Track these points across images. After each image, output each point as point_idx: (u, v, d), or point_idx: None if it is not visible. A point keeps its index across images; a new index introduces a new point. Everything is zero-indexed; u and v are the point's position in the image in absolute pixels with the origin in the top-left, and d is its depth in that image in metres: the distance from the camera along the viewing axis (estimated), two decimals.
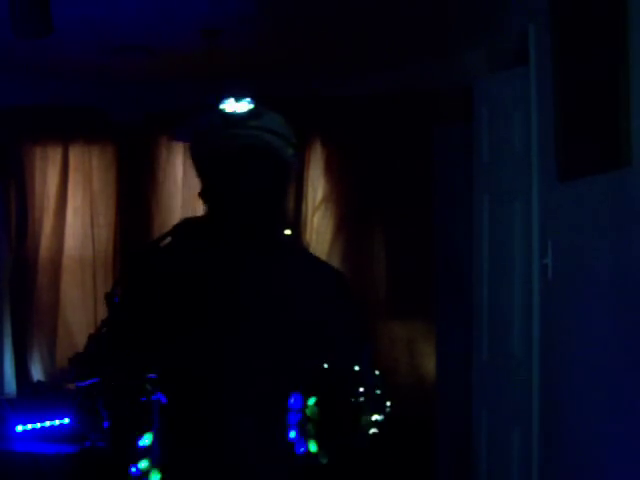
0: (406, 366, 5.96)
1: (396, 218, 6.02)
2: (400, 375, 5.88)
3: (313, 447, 2.27)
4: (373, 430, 2.26)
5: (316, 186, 6.29)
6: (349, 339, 2.39)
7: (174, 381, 2.26)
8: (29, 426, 5.38)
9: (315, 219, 6.27)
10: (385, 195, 6.05)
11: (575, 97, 3.35)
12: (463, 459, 4.76)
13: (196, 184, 2.39)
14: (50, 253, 6.23)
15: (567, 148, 3.43)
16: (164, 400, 2.24)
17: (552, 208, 3.72)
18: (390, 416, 2.32)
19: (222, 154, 2.28)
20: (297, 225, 6.24)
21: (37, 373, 6.10)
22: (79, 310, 6.25)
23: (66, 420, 5.41)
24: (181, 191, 6.36)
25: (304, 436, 2.27)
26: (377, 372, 2.37)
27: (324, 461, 2.27)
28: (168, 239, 2.37)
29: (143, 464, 2.22)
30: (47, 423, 5.43)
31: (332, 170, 6.28)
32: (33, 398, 5.64)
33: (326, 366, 2.32)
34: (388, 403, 2.34)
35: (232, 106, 2.30)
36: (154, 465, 2.23)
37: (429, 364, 5.76)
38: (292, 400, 2.25)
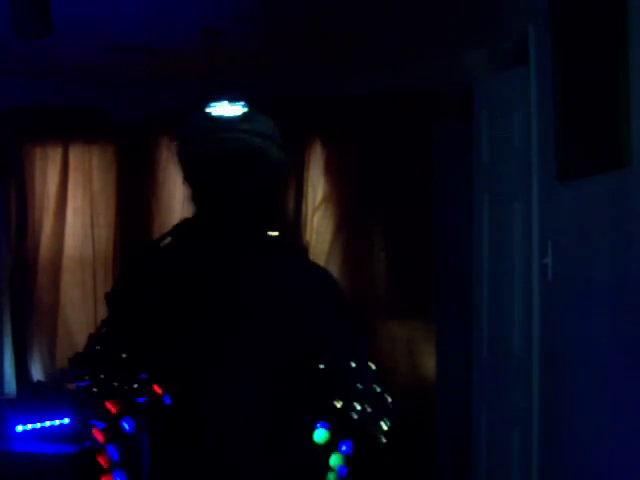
0: (406, 366, 5.95)
1: (396, 218, 6.02)
2: (400, 375, 5.88)
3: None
4: (384, 440, 2.27)
5: (316, 186, 6.28)
6: (343, 336, 2.39)
7: (173, 381, 2.26)
8: (29, 426, 5.38)
9: (315, 219, 6.27)
10: (385, 195, 6.05)
11: (575, 97, 3.35)
12: (463, 459, 4.76)
13: None
14: (50, 253, 6.22)
15: (567, 148, 3.43)
16: (168, 401, 2.25)
17: (552, 208, 3.72)
18: (396, 417, 2.33)
19: (212, 159, 2.27)
20: (296, 225, 6.24)
21: (37, 373, 6.10)
22: (79, 310, 6.25)
23: (66, 420, 5.41)
24: (181, 191, 6.36)
25: None
26: (374, 367, 2.37)
27: None
28: (168, 239, 2.37)
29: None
30: (47, 423, 5.43)
31: (332, 170, 6.27)
32: (33, 398, 5.63)
33: (322, 366, 2.32)
34: (389, 399, 2.34)
35: (221, 109, 2.29)
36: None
37: (429, 364, 5.75)
38: (344, 447, 2.25)
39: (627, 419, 2.96)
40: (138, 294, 2.33)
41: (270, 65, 5.94)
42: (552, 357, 3.72)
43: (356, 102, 6.06)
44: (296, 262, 2.43)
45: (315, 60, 5.84)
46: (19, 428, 5.35)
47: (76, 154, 6.33)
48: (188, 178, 2.34)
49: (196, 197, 2.33)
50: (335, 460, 2.24)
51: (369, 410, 2.27)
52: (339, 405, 2.28)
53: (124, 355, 2.26)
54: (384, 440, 2.25)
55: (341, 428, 2.27)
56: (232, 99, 2.31)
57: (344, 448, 2.26)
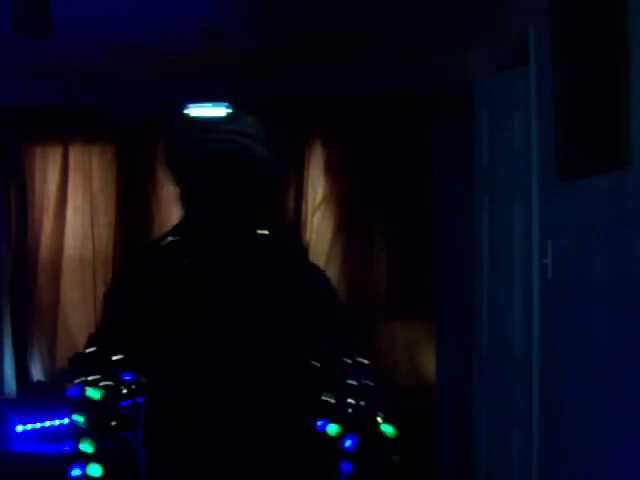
0: (406, 366, 5.96)
1: (396, 218, 6.02)
2: (400, 375, 5.88)
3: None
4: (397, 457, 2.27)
5: (316, 186, 6.29)
6: (337, 333, 2.38)
7: (171, 381, 2.26)
8: (29, 426, 5.38)
9: (315, 219, 6.27)
10: (385, 195, 6.05)
11: (575, 97, 3.35)
12: (463, 459, 4.76)
13: None
14: (50, 253, 6.23)
15: (567, 148, 3.43)
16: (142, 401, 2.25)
17: (552, 208, 3.72)
18: (388, 413, 2.33)
19: (197, 160, 2.27)
20: (296, 225, 6.24)
21: (37, 373, 6.10)
22: (79, 310, 6.25)
23: (66, 420, 5.41)
24: None
25: None
26: (367, 362, 2.37)
27: None
28: (168, 239, 2.37)
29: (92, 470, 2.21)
30: (47, 423, 5.43)
31: (332, 170, 6.28)
32: (33, 398, 5.63)
33: (316, 363, 2.31)
34: (383, 394, 2.34)
35: (204, 111, 2.31)
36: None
37: (429, 364, 5.75)
38: (348, 442, 2.25)
39: (627, 419, 2.96)
40: (135, 294, 2.33)
41: (270, 65, 5.94)
42: (552, 357, 3.72)
43: (356, 102, 6.06)
44: (288, 260, 2.42)
45: (315, 60, 5.84)
46: (19, 428, 5.35)
47: (76, 154, 6.33)
48: (175, 180, 2.35)
49: (185, 199, 2.33)
50: (332, 428, 2.23)
51: (362, 404, 2.27)
52: (332, 401, 2.28)
53: (119, 357, 2.26)
54: (397, 456, 2.26)
55: (342, 424, 2.27)
56: (216, 100, 2.33)
57: (349, 443, 2.26)
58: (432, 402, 5.50)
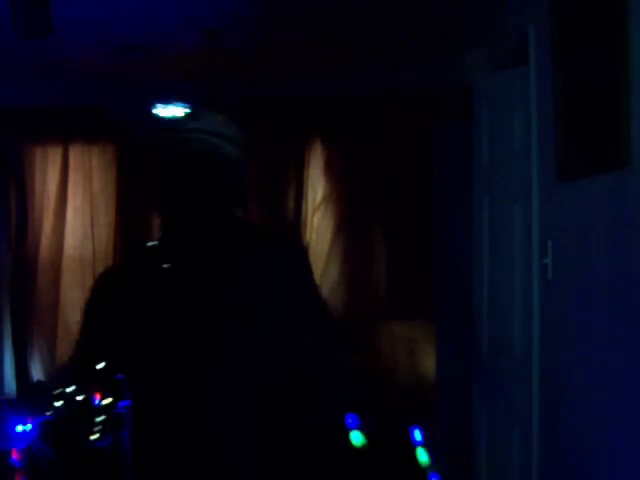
0: (406, 366, 5.96)
1: (396, 218, 6.02)
2: (400, 375, 5.88)
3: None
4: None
5: (316, 186, 6.29)
6: (320, 319, 2.37)
7: (163, 378, 2.25)
8: (29, 426, 5.37)
9: (315, 219, 6.27)
10: (385, 195, 6.05)
11: (575, 97, 3.35)
12: (463, 459, 4.76)
13: None
14: (50, 253, 6.23)
15: (567, 148, 3.43)
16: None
17: (552, 208, 3.72)
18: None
19: (169, 160, 2.27)
20: (296, 225, 6.24)
21: (37, 373, 6.10)
22: (79, 310, 6.22)
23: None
24: None
25: None
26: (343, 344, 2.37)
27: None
28: (148, 244, 2.37)
29: None
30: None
31: (332, 170, 6.28)
32: (33, 398, 5.63)
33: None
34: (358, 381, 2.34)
35: (167, 111, 2.31)
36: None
37: (429, 364, 5.75)
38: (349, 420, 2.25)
39: (627, 419, 2.96)
40: (114, 302, 2.33)
41: (270, 65, 5.94)
42: (552, 357, 3.72)
43: (356, 102, 6.07)
44: (267, 253, 2.39)
45: (315, 60, 5.84)
46: (19, 428, 5.35)
47: (76, 154, 6.33)
48: (149, 181, 2.36)
49: (158, 200, 2.33)
50: (356, 438, 2.23)
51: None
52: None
53: (102, 365, 2.27)
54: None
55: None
56: (177, 101, 2.32)
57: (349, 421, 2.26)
58: (432, 402, 5.50)
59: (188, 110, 2.30)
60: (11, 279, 6.09)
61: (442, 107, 5.59)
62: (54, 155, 6.29)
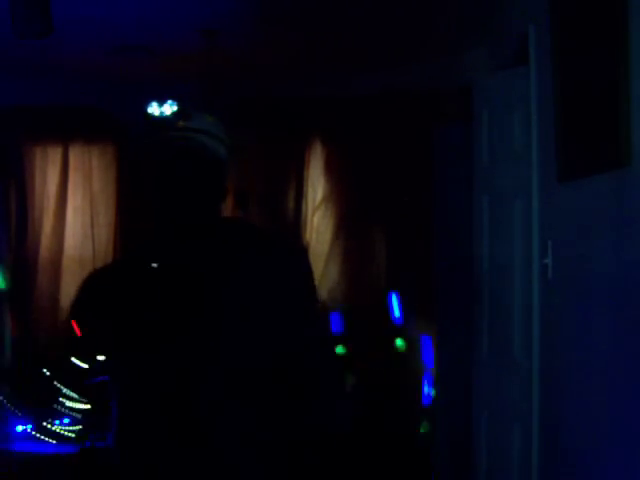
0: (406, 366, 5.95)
1: (396, 218, 6.02)
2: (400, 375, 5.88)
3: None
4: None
5: (316, 186, 6.29)
6: (318, 323, 2.37)
7: (161, 379, 2.25)
8: (29, 426, 5.38)
9: (315, 219, 6.27)
10: (385, 195, 6.05)
11: (575, 97, 3.35)
12: (463, 459, 4.75)
13: None
14: (50, 253, 6.23)
15: (567, 148, 3.43)
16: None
17: (552, 208, 3.72)
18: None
19: (158, 158, 2.27)
20: (296, 225, 6.24)
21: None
22: None
23: (66, 420, 5.41)
24: None
25: None
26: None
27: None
28: (138, 245, 2.38)
29: None
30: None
31: (332, 170, 6.28)
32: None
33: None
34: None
35: (160, 109, 2.30)
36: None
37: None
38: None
39: (627, 419, 2.96)
40: (102, 302, 2.33)
41: (269, 65, 5.94)
42: (552, 357, 3.72)
43: (356, 102, 6.07)
44: (263, 253, 2.36)
45: (315, 60, 5.84)
46: (19, 428, 5.36)
47: (76, 154, 6.34)
48: (135, 182, 2.36)
49: (148, 199, 2.32)
50: (400, 343, 2.13)
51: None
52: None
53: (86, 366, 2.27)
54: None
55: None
56: (172, 100, 2.31)
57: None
58: (432, 402, 5.50)
59: (178, 109, 2.28)
60: (11, 279, 6.08)
61: (442, 107, 5.59)
62: (54, 155, 6.29)
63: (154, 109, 2.30)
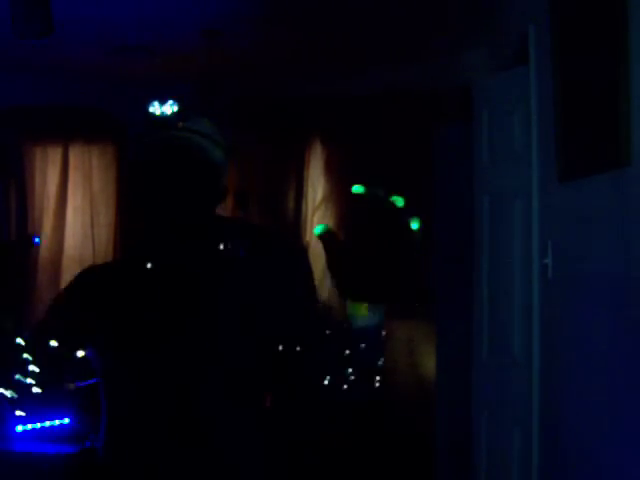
0: (406, 366, 5.96)
1: None
2: (400, 375, 5.88)
3: None
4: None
5: (316, 186, 6.29)
6: (317, 323, 2.37)
7: (159, 379, 2.24)
8: (29, 426, 5.38)
9: (315, 219, 6.27)
10: (385, 195, 6.04)
11: (575, 97, 3.35)
12: (463, 459, 4.76)
13: None
14: (50, 253, 6.23)
15: (567, 148, 3.43)
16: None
17: (552, 208, 3.72)
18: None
19: (151, 157, 2.26)
20: (296, 225, 6.24)
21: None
22: None
23: (66, 420, 5.41)
24: None
25: None
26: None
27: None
28: (132, 246, 2.37)
29: None
30: (47, 423, 5.42)
31: (332, 170, 6.28)
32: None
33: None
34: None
35: (161, 109, 2.28)
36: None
37: (429, 364, 5.76)
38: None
39: (627, 419, 2.96)
40: (93, 302, 2.32)
41: (270, 65, 5.94)
42: (552, 357, 3.72)
43: (356, 102, 6.07)
44: (263, 253, 2.35)
45: (315, 60, 5.84)
46: (19, 428, 5.35)
47: (76, 154, 6.34)
48: (132, 179, 2.33)
49: (142, 199, 2.30)
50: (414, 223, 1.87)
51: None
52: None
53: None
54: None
55: None
56: (172, 100, 2.30)
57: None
58: (432, 402, 5.50)
59: (179, 109, 2.26)
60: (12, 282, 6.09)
61: (442, 107, 5.60)
62: (54, 155, 6.29)
63: (155, 108, 2.29)
